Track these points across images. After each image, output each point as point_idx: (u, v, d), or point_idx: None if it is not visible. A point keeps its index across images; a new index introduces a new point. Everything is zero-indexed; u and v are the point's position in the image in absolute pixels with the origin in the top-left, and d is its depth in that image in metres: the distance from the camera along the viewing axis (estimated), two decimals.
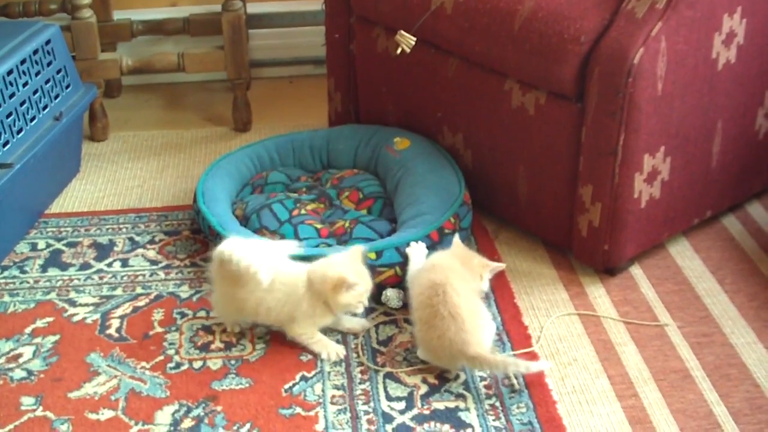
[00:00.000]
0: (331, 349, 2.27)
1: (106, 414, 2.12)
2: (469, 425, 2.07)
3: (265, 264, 2.23)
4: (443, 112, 2.77)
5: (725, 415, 2.09)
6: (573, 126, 2.42)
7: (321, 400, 2.14)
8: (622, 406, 2.12)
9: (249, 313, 2.30)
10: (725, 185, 2.67)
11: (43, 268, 2.63)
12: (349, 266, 2.25)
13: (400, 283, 2.41)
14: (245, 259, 2.21)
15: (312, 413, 2.11)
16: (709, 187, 2.62)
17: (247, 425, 2.08)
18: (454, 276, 2.19)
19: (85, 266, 2.63)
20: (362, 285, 2.25)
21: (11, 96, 2.69)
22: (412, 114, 2.88)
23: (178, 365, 2.26)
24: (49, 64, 2.89)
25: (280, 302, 2.26)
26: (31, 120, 2.77)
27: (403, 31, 2.59)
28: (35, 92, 2.80)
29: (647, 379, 2.19)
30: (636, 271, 2.56)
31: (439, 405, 2.13)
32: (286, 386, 2.19)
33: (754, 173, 2.75)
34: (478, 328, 2.15)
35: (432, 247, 2.43)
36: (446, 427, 2.07)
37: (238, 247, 2.24)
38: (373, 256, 2.39)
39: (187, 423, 2.09)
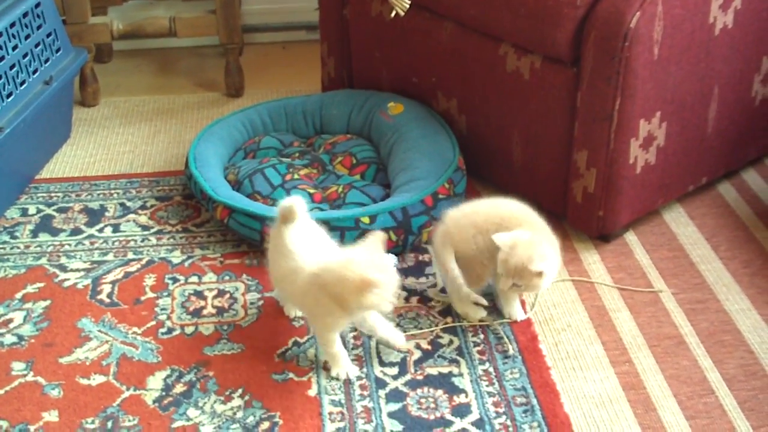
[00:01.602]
0: (341, 369, 2.11)
1: (97, 379, 2.11)
2: (463, 391, 2.06)
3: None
4: (437, 77, 2.75)
5: (719, 381, 2.09)
6: (568, 91, 2.40)
7: (314, 366, 2.13)
8: (616, 371, 2.12)
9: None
10: (721, 152, 2.65)
11: (34, 233, 2.61)
12: (369, 261, 1.97)
13: (393, 248, 2.40)
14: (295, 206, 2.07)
15: (305, 378, 2.10)
16: (705, 153, 2.60)
17: (240, 390, 2.07)
18: (489, 213, 2.22)
19: (76, 231, 2.61)
20: (388, 281, 1.97)
21: (0, 59, 2.66)
22: (406, 79, 2.85)
23: (170, 330, 2.25)
24: (38, 27, 2.85)
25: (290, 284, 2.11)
26: (21, 84, 2.74)
27: None
28: (25, 56, 2.77)
29: (641, 345, 2.19)
30: (630, 237, 2.55)
31: (433, 370, 2.12)
32: (279, 351, 2.17)
33: (749, 140, 2.73)
34: (462, 233, 2.18)
35: (425, 212, 2.42)
36: (440, 392, 2.06)
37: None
38: (366, 220, 2.37)
39: (179, 388, 2.08)
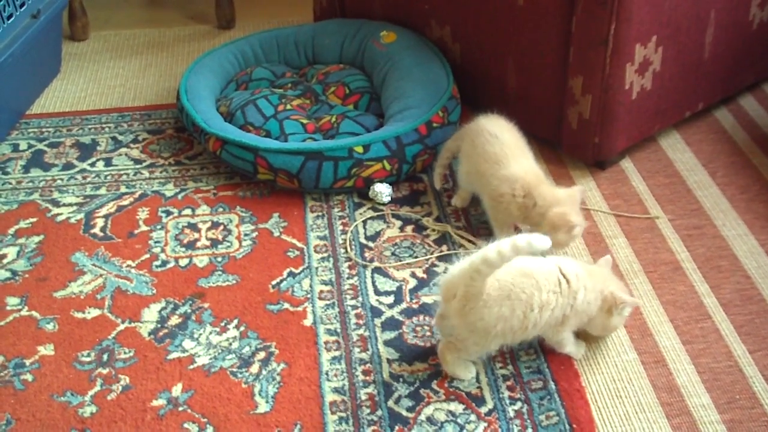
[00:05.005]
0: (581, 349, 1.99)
1: (92, 312, 2.10)
2: None
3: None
4: (430, 5, 2.71)
5: (715, 306, 2.08)
6: (563, 15, 2.37)
7: (309, 296, 2.13)
8: None
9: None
10: (718, 77, 2.62)
11: (26, 168, 2.59)
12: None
13: (388, 177, 2.38)
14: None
15: (300, 308, 2.09)
16: (702, 78, 2.57)
17: (235, 321, 2.06)
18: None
19: (68, 166, 2.59)
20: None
21: None
22: (399, 7, 2.81)
23: (164, 263, 2.24)
24: None
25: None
26: (8, 18, 2.69)
27: None
28: None
29: (637, 271, 2.18)
30: (627, 164, 2.53)
31: (428, 299, 2.11)
32: (274, 282, 2.17)
33: (747, 65, 2.70)
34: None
35: (419, 141, 2.40)
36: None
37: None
38: (360, 150, 2.35)
39: (175, 320, 2.07)
